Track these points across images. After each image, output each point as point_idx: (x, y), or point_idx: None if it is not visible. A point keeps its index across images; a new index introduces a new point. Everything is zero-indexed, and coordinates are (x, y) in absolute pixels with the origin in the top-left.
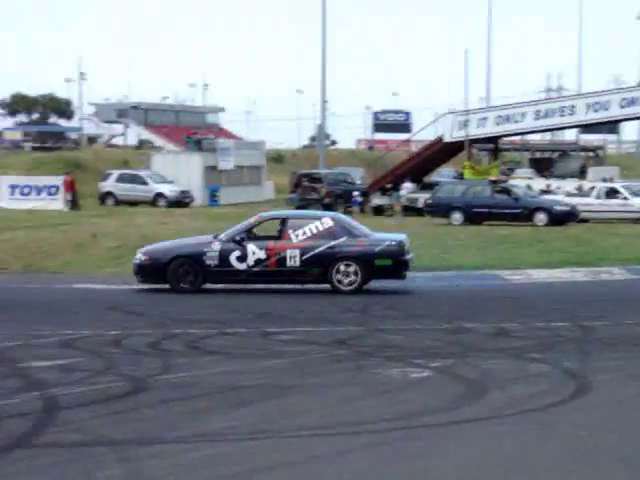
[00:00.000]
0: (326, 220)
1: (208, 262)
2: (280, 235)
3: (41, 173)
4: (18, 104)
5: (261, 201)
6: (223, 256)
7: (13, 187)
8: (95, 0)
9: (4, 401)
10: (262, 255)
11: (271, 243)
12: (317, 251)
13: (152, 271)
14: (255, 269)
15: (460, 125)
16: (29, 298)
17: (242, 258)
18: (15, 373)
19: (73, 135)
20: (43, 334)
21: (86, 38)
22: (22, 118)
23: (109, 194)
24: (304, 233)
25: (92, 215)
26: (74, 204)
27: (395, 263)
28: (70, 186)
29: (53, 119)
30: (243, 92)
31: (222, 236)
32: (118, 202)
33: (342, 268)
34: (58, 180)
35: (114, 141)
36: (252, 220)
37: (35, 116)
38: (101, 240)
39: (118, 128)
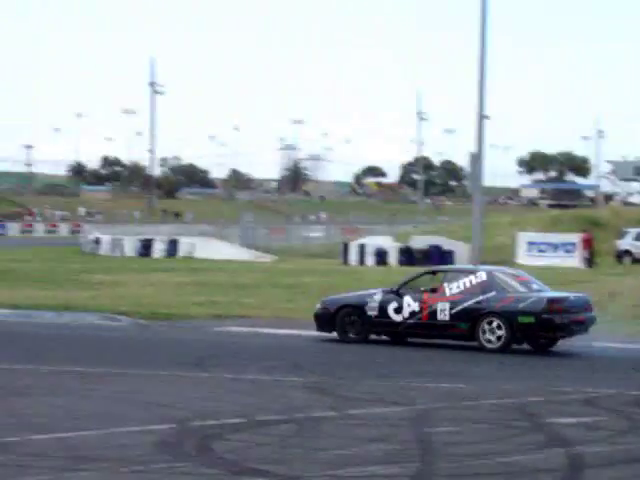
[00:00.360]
0: (480, 274)
1: (369, 312)
2: (436, 288)
3: (557, 230)
4: (536, 162)
5: None
6: (382, 307)
7: (530, 244)
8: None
9: (529, 455)
10: (416, 307)
11: (426, 295)
12: (465, 305)
13: (324, 320)
14: (409, 321)
15: None
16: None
17: (398, 310)
18: (540, 429)
19: (589, 193)
20: (564, 390)
21: (604, 97)
22: (539, 176)
23: (626, 252)
24: (457, 287)
25: (609, 273)
26: (590, 262)
27: (538, 321)
28: (587, 244)
29: (569, 177)
30: None
31: (389, 288)
32: (636, 260)
33: (486, 325)
34: (575, 238)
35: (631, 199)
36: (416, 273)
37: (552, 174)
38: (619, 298)
39: (635, 186)
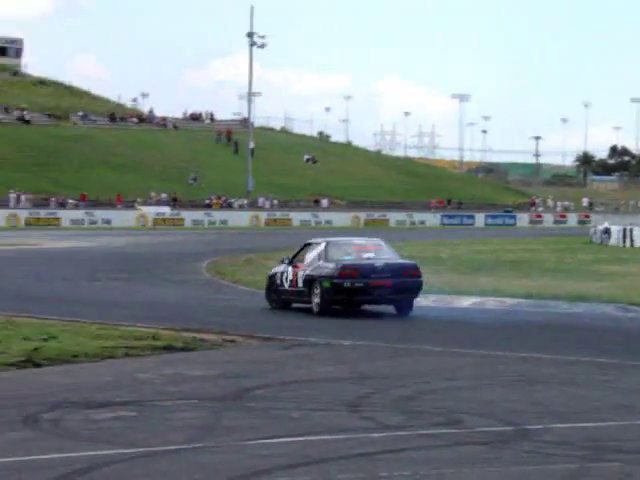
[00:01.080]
0: (321, 245)
1: (277, 282)
2: (303, 258)
3: None
4: None
5: None
6: (280, 277)
7: None
8: None
9: None
10: (291, 276)
11: (297, 266)
12: (307, 273)
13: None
14: (289, 289)
15: None
16: None
17: (287, 279)
18: None
19: None
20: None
21: None
22: None
23: None
24: (310, 257)
25: None
26: None
27: (332, 286)
28: None
29: None
30: None
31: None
32: None
33: (314, 290)
34: None
35: None
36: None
37: None
38: None
39: None
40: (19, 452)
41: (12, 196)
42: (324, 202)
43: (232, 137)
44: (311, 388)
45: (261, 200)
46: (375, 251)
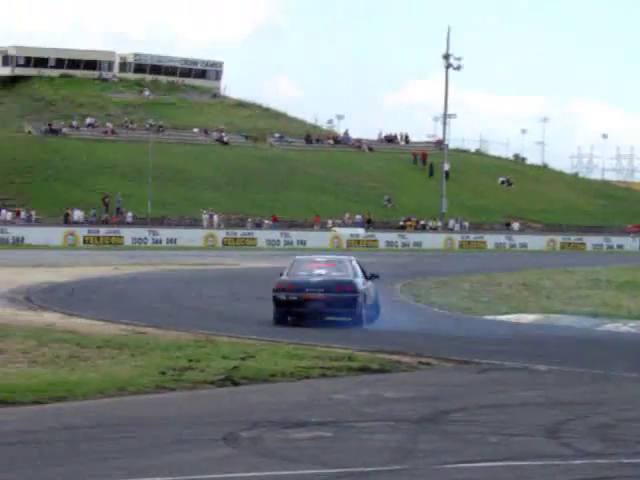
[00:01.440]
0: (294, 259)
1: None
2: None
3: None
4: None
5: None
6: None
7: None
8: None
9: None
10: None
11: None
12: None
13: None
14: None
15: None
16: None
17: None
18: None
19: None
20: None
21: None
22: None
23: None
24: None
25: None
26: None
27: (273, 298)
28: None
29: None
30: None
31: None
32: None
33: None
34: None
35: None
36: None
37: None
38: None
39: None
40: (220, 470)
41: (205, 216)
42: (515, 225)
43: (427, 159)
44: (508, 413)
45: (451, 222)
46: (329, 268)
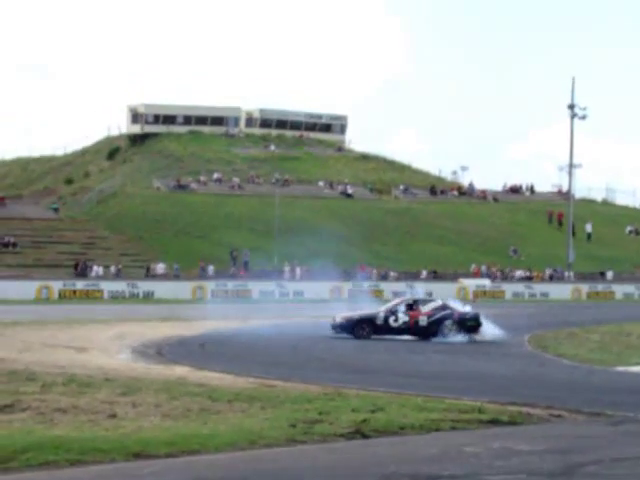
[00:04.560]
0: None
1: None
2: None
3: None
4: None
5: None
6: None
7: None
8: None
9: None
10: None
11: None
12: None
13: None
14: None
15: None
16: None
17: None
18: None
19: None
20: None
21: None
22: None
23: None
24: None
25: None
26: None
27: None
28: None
29: None
30: None
31: None
32: None
33: None
34: None
35: None
36: None
37: None
38: None
39: None
40: None
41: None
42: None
43: (563, 220)
44: None
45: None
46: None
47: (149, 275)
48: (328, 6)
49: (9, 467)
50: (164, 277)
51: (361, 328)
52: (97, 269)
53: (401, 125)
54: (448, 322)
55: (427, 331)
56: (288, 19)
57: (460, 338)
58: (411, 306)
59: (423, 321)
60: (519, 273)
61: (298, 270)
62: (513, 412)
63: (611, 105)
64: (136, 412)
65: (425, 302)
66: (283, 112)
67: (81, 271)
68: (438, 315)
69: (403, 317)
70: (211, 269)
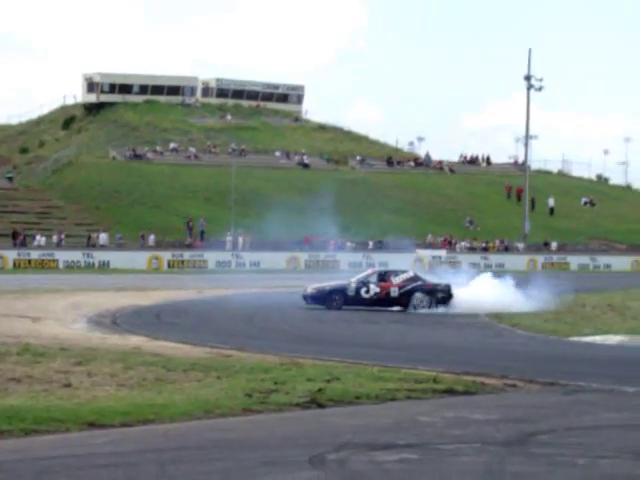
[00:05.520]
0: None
1: None
2: None
3: None
4: None
5: None
6: None
7: None
8: None
9: None
10: None
11: None
12: None
13: None
14: None
15: None
16: None
17: None
18: None
19: None
20: None
21: None
22: None
23: None
24: None
25: None
26: None
27: None
28: None
29: None
30: None
31: None
32: None
33: None
34: None
35: None
36: None
37: None
38: None
39: None
40: None
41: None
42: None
43: (522, 195)
44: (596, 435)
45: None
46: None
47: (90, 245)
48: None
49: None
50: (121, 247)
51: (332, 299)
52: (39, 239)
53: (358, 96)
54: (419, 294)
55: (398, 302)
56: None
57: (432, 309)
58: (383, 277)
59: (394, 292)
60: (464, 244)
61: (240, 240)
62: (468, 382)
63: (567, 77)
64: (91, 382)
65: (397, 273)
66: (240, 82)
67: (20, 242)
68: (409, 286)
69: (374, 288)
70: (152, 239)
